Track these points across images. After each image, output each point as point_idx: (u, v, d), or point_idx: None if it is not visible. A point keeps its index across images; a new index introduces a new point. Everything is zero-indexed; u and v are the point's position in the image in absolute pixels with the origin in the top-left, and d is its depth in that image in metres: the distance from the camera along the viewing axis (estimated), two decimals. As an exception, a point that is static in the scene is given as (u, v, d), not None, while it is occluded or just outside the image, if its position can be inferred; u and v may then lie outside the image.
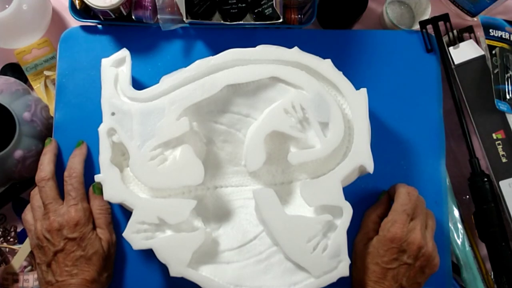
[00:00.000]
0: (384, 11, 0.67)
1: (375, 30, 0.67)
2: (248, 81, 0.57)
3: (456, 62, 0.65)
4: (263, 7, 0.61)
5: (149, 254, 0.56)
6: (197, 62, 0.57)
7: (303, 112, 0.56)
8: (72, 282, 0.53)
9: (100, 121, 0.56)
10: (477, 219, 0.61)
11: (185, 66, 0.58)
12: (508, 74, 0.63)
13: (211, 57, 0.57)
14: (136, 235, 0.53)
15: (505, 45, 0.64)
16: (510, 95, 0.63)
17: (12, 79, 0.61)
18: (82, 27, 0.65)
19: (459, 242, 0.62)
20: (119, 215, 0.60)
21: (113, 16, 0.63)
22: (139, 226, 0.54)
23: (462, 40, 0.66)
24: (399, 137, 0.63)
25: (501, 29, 0.65)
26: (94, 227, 0.57)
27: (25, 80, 0.68)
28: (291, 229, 0.53)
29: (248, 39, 0.64)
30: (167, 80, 0.57)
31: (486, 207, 0.60)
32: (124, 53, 0.59)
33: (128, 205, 0.55)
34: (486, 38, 0.64)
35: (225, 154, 0.60)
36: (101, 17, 0.64)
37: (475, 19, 0.70)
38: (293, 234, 0.53)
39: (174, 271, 0.52)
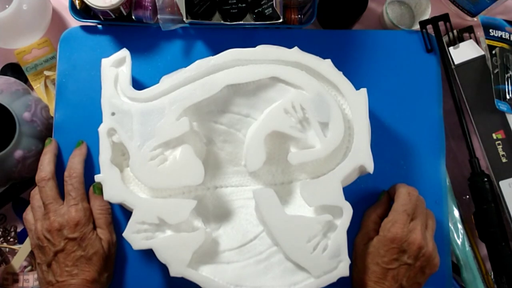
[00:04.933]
0: (384, 11, 0.67)
1: (375, 30, 0.67)
2: (248, 81, 0.57)
3: (456, 62, 0.65)
4: (263, 7, 0.61)
5: (149, 254, 0.56)
6: (197, 62, 0.57)
7: (303, 112, 0.56)
8: (72, 283, 0.53)
9: (100, 121, 0.56)
10: (477, 219, 0.61)
11: (185, 66, 0.58)
12: (508, 74, 0.63)
13: (211, 57, 0.57)
14: (136, 235, 0.53)
15: (505, 45, 0.64)
16: (510, 95, 0.63)
17: (12, 79, 0.61)
18: (82, 27, 0.65)
19: (459, 242, 0.62)
20: (119, 215, 0.60)
21: (113, 16, 0.63)
22: (139, 226, 0.54)
23: (462, 40, 0.66)
24: (399, 137, 0.63)
25: (501, 29, 0.65)
26: (95, 227, 0.57)
27: (25, 80, 0.68)
28: (291, 229, 0.53)
29: (248, 39, 0.64)
30: (167, 80, 0.57)
31: (486, 207, 0.60)
32: (124, 53, 0.59)
33: (128, 205, 0.55)
34: (486, 38, 0.64)
35: (225, 154, 0.60)
36: (101, 17, 0.64)
37: (475, 19, 0.70)
38: (293, 234, 0.53)
39: (174, 271, 0.52)
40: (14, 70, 0.69)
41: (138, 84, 0.62)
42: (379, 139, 0.60)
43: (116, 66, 0.59)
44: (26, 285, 0.61)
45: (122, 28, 0.65)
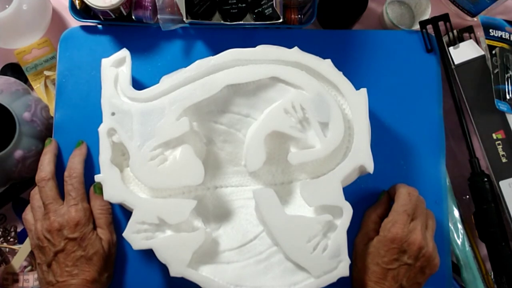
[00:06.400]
0: (384, 11, 0.67)
1: (375, 30, 0.67)
2: (248, 81, 0.57)
3: (456, 62, 0.65)
4: (263, 7, 0.61)
5: (149, 254, 0.56)
6: (197, 62, 0.57)
7: (303, 112, 0.56)
8: (72, 283, 0.53)
9: (100, 121, 0.56)
10: (477, 219, 0.61)
11: (185, 66, 0.58)
12: (508, 74, 0.63)
13: (211, 57, 0.57)
14: (136, 235, 0.53)
15: (505, 45, 0.64)
16: (510, 95, 0.63)
17: (12, 79, 0.61)
18: (82, 27, 0.65)
19: (459, 242, 0.62)
20: (119, 215, 0.60)
21: (113, 16, 0.63)
22: (139, 226, 0.54)
23: (462, 40, 0.66)
24: (399, 137, 0.63)
25: (501, 29, 0.65)
26: (95, 227, 0.57)
27: (25, 80, 0.68)
28: (291, 229, 0.53)
29: (248, 39, 0.64)
30: (167, 80, 0.57)
31: (486, 207, 0.60)
32: (124, 53, 0.59)
33: (128, 205, 0.55)
34: (486, 38, 0.64)
35: (225, 154, 0.60)
36: (101, 17, 0.64)
37: (475, 19, 0.70)
38: (293, 234, 0.53)
39: (174, 271, 0.52)
40: (14, 70, 0.69)
41: (138, 84, 0.62)
42: (379, 139, 0.60)
43: (116, 66, 0.59)
44: (26, 285, 0.61)
45: (122, 28, 0.65)
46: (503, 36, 0.65)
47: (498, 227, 0.60)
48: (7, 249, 0.64)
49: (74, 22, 0.68)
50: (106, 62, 0.59)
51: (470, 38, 0.67)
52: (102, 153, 0.56)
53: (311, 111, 0.56)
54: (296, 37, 0.65)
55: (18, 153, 0.57)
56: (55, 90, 0.64)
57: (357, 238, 0.58)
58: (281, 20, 0.61)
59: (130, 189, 0.56)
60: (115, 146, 0.56)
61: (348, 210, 0.53)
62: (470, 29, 0.67)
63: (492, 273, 0.62)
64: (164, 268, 0.54)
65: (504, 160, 0.62)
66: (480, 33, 0.66)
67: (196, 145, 0.57)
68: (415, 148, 0.63)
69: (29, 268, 0.62)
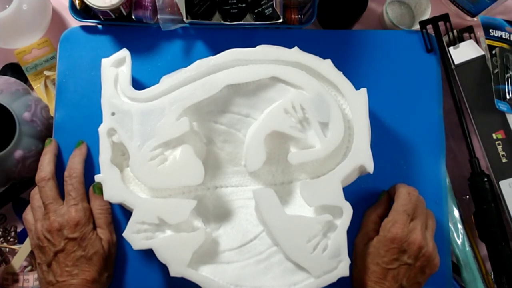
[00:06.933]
0: (384, 11, 0.67)
1: (375, 30, 0.67)
2: (248, 81, 0.57)
3: (456, 62, 0.65)
4: (263, 7, 0.61)
5: (149, 254, 0.56)
6: (197, 62, 0.57)
7: (303, 112, 0.56)
8: (73, 283, 0.53)
9: (100, 121, 0.56)
10: (477, 219, 0.61)
11: (185, 66, 0.58)
12: (508, 74, 0.63)
13: (211, 57, 0.57)
14: (136, 235, 0.53)
15: (505, 45, 0.64)
16: (510, 95, 0.63)
17: (12, 79, 0.61)
18: (82, 27, 0.65)
19: (459, 242, 0.62)
20: (119, 215, 0.60)
21: (113, 16, 0.63)
22: (139, 226, 0.54)
23: (462, 40, 0.66)
24: (399, 137, 0.63)
25: (501, 29, 0.65)
26: (95, 227, 0.57)
27: (25, 80, 0.68)
28: (291, 229, 0.53)
29: (248, 39, 0.64)
30: (167, 80, 0.57)
31: (486, 207, 0.60)
32: (124, 53, 0.59)
33: (128, 205, 0.55)
34: (486, 38, 0.64)
35: (225, 154, 0.60)
36: (101, 17, 0.64)
37: (475, 19, 0.70)
38: (293, 234, 0.53)
39: (174, 271, 0.52)
40: (14, 70, 0.69)
41: (138, 84, 0.62)
42: (379, 139, 0.60)
43: (116, 66, 0.59)
44: (26, 285, 0.61)
45: (122, 28, 0.65)
46: (503, 36, 0.65)
47: (498, 227, 0.60)
48: (7, 249, 0.64)
49: (74, 22, 0.68)
50: (106, 62, 0.59)
51: (470, 38, 0.67)
52: (102, 153, 0.56)
53: (311, 111, 0.56)
54: (296, 37, 0.65)
55: (18, 153, 0.57)
56: (55, 90, 0.64)
57: (357, 238, 0.58)
58: (281, 20, 0.61)
59: (130, 189, 0.56)
60: (115, 146, 0.56)
61: (348, 210, 0.54)
62: (470, 29, 0.67)
63: (492, 273, 0.62)
64: (164, 268, 0.54)
65: (504, 160, 0.62)
66: (480, 33, 0.66)
67: (196, 145, 0.57)
68: (415, 148, 0.63)
69: (29, 268, 0.62)
